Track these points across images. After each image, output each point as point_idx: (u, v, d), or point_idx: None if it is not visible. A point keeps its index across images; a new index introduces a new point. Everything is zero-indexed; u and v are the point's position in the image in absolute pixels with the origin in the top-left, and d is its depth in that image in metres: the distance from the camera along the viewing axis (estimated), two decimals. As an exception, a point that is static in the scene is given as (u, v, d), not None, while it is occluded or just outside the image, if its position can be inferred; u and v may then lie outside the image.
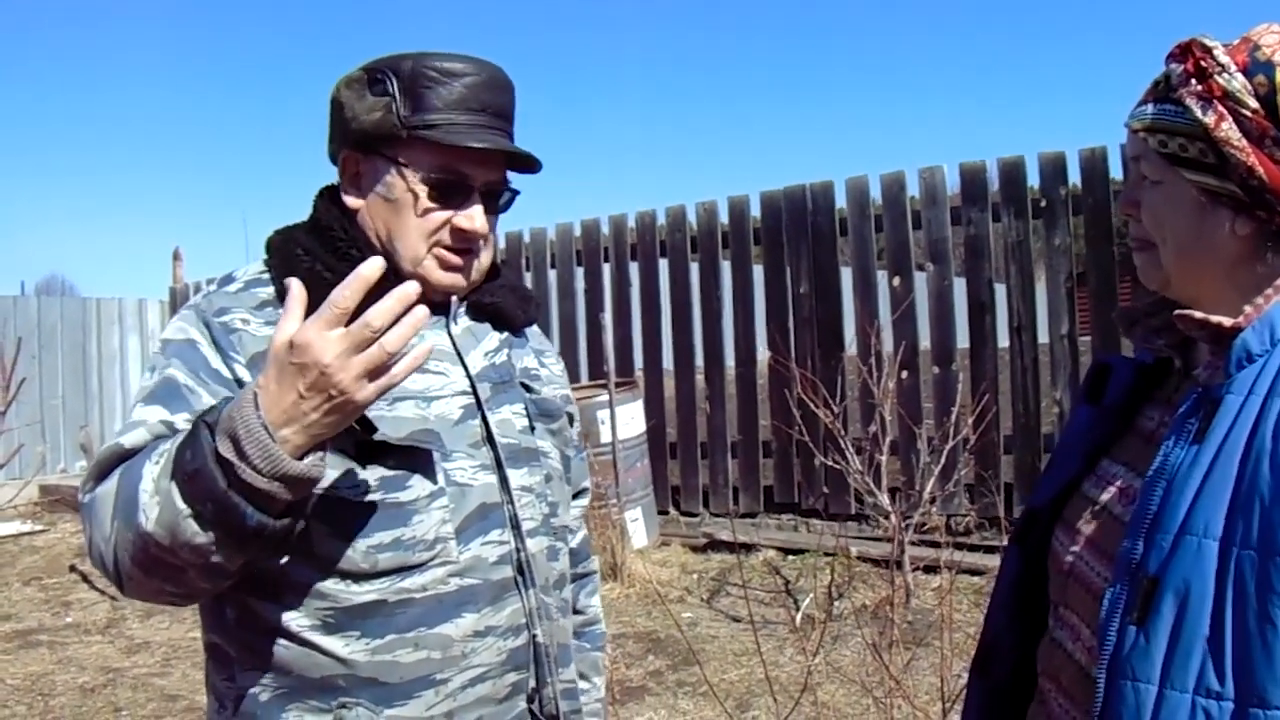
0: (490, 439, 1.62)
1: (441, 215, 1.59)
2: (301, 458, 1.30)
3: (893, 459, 6.62)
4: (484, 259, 1.68)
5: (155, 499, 1.33)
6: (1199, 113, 1.23)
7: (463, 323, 1.69)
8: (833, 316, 7.73)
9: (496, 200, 1.66)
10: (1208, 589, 1.14)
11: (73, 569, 8.08)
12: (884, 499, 6.13)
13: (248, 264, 1.67)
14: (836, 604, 6.08)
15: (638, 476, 7.68)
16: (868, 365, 6.60)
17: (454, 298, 1.67)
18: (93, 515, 1.42)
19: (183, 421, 1.44)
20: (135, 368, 12.78)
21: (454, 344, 1.65)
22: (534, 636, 1.61)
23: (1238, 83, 1.22)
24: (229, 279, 1.63)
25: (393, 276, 1.59)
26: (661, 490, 8.23)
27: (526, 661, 1.61)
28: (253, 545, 1.35)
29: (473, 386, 1.63)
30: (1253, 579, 1.11)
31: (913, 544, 6.16)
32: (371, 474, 1.50)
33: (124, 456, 1.44)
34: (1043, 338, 7.02)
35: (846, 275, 7.80)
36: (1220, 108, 1.22)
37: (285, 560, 1.47)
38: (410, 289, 1.28)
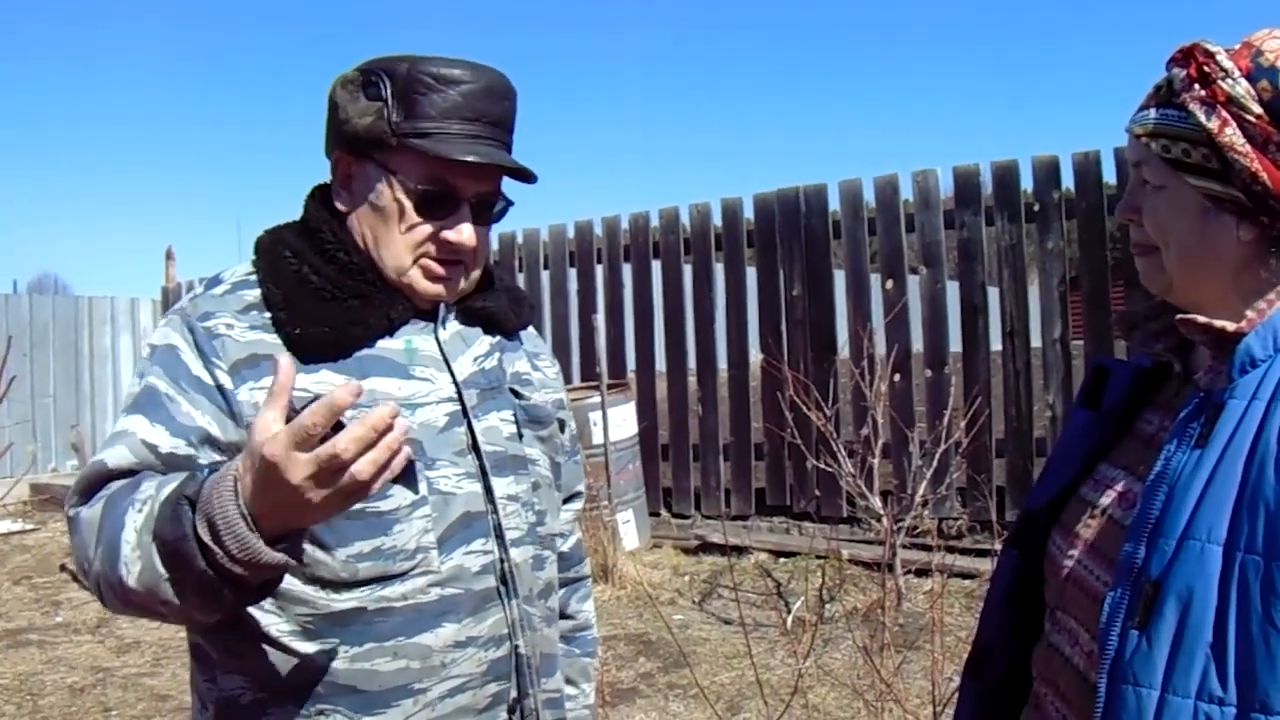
0: (475, 447, 1.60)
1: (427, 229, 1.57)
2: (280, 539, 1.28)
3: (885, 462, 6.62)
4: (474, 269, 1.65)
5: (137, 553, 1.32)
6: (1203, 118, 1.23)
7: (452, 327, 1.66)
8: (825, 319, 7.73)
9: (489, 210, 1.63)
10: (1211, 594, 1.13)
11: (63, 568, 8.04)
12: (876, 502, 6.13)
13: (237, 265, 1.65)
14: (828, 607, 6.08)
15: (629, 478, 7.67)
16: (860, 368, 6.60)
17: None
18: (77, 534, 1.43)
19: (164, 437, 1.44)
20: (127, 367, 12.73)
21: (441, 350, 1.63)
22: (516, 647, 1.60)
23: (1241, 88, 1.22)
24: (216, 280, 1.61)
25: (381, 284, 1.58)
26: (653, 492, 8.23)
27: (508, 672, 1.59)
28: (230, 609, 1.36)
29: (459, 393, 1.61)
30: (1257, 583, 1.11)
31: (904, 547, 6.16)
32: None
33: (107, 476, 1.44)
34: (1035, 341, 7.03)
35: (839, 278, 7.80)
36: (1224, 113, 1.22)
37: None
38: (384, 413, 1.22)
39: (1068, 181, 6.94)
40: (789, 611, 6.00)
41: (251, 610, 1.47)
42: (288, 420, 1.24)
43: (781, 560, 7.10)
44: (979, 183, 7.24)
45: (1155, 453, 1.26)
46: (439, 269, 1.59)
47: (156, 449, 1.44)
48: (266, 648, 1.49)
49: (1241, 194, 1.22)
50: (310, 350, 1.51)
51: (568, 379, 8.35)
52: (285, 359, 1.30)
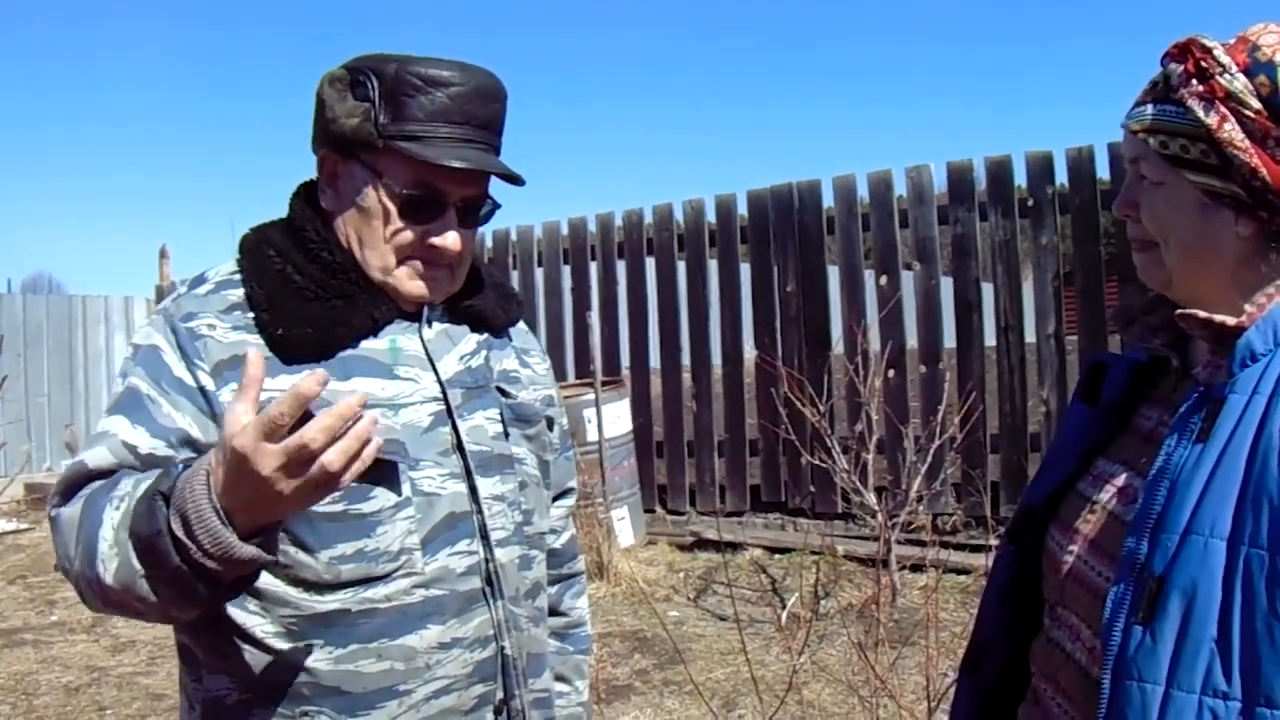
0: (460, 446, 1.59)
1: (412, 233, 1.56)
2: (254, 533, 1.29)
3: (879, 458, 6.62)
4: (459, 271, 1.65)
5: (114, 550, 1.33)
6: (1201, 114, 1.23)
7: (437, 326, 1.66)
8: (819, 315, 7.73)
9: (475, 214, 1.63)
10: (1215, 588, 1.14)
11: (57, 568, 8.02)
12: (870, 498, 6.13)
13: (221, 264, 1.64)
14: (823, 603, 6.09)
15: (624, 475, 7.67)
16: (854, 364, 6.60)
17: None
18: (58, 534, 1.43)
19: (144, 438, 1.44)
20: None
21: (425, 349, 1.62)
22: (502, 648, 1.59)
23: (1239, 83, 1.22)
24: (200, 280, 1.60)
25: (365, 283, 1.58)
26: (648, 489, 8.23)
27: (494, 673, 1.59)
28: (206, 605, 1.36)
29: (443, 393, 1.60)
30: (1261, 577, 1.11)
31: (899, 543, 6.17)
32: None
33: (88, 477, 1.44)
34: (1029, 337, 7.03)
35: (833, 274, 7.80)
36: (1223, 109, 1.22)
37: None
38: (353, 402, 1.23)
39: (1061, 177, 6.95)
40: (784, 607, 6.01)
41: (236, 611, 1.47)
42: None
43: (776, 556, 7.10)
44: (973, 178, 7.24)
45: (1154, 448, 1.26)
46: (424, 271, 1.58)
47: (136, 450, 1.44)
48: (251, 648, 1.49)
49: (1240, 189, 1.22)
50: (293, 351, 1.51)
51: (562, 376, 8.35)
52: (254, 351, 1.30)
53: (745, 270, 8.17)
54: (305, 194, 1.65)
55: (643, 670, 5.46)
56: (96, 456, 1.44)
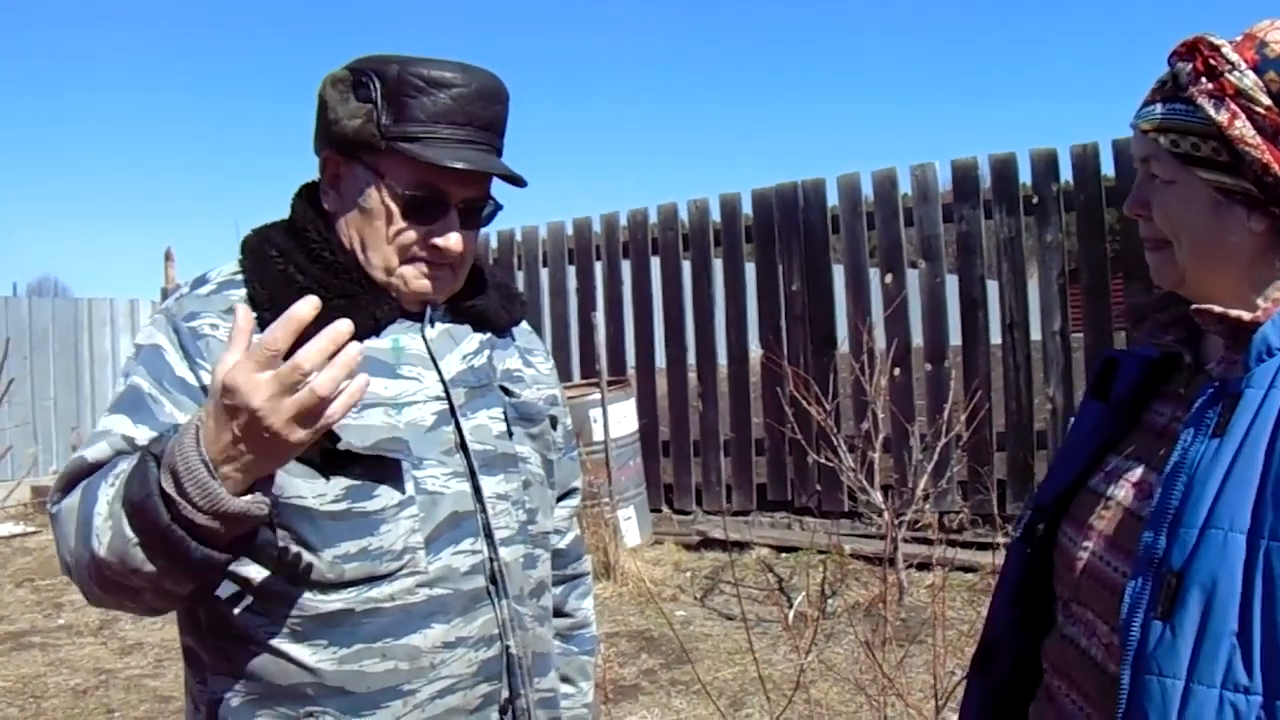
0: (463, 445, 1.59)
1: (415, 234, 1.56)
2: (246, 492, 1.29)
3: (885, 456, 6.62)
4: (461, 271, 1.65)
5: (108, 523, 1.33)
6: (1211, 111, 1.23)
7: (440, 326, 1.66)
8: (825, 314, 7.73)
9: (477, 215, 1.63)
10: (1235, 582, 1.13)
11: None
12: (877, 496, 6.13)
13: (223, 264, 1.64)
14: (830, 602, 6.09)
15: (630, 475, 7.68)
16: (860, 362, 6.60)
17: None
18: (59, 528, 1.43)
19: (145, 435, 1.44)
20: (126, 368, 12.70)
21: (428, 348, 1.62)
22: (507, 647, 1.59)
23: (1249, 80, 1.22)
24: (202, 280, 1.60)
25: (367, 284, 1.58)
26: (654, 488, 8.23)
27: (499, 672, 1.59)
28: (200, 574, 1.35)
29: (446, 392, 1.60)
30: None
31: (906, 541, 6.16)
32: (336, 484, 1.47)
33: (88, 470, 1.44)
34: (1035, 334, 7.03)
35: (839, 273, 7.81)
36: (1233, 106, 1.22)
37: (254, 567, 1.47)
38: (343, 327, 1.23)
39: (1066, 174, 6.93)
40: (791, 606, 6.00)
41: (239, 613, 1.48)
42: None
43: (783, 555, 7.10)
44: (977, 176, 7.23)
45: (1168, 443, 1.26)
46: (426, 271, 1.59)
47: (136, 444, 1.44)
48: (255, 649, 1.49)
49: (1253, 186, 1.22)
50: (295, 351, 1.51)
51: (567, 377, 8.36)
52: (243, 307, 1.31)
53: (750, 269, 8.17)
54: (307, 195, 1.66)
55: (650, 670, 5.46)
56: (96, 452, 1.44)
